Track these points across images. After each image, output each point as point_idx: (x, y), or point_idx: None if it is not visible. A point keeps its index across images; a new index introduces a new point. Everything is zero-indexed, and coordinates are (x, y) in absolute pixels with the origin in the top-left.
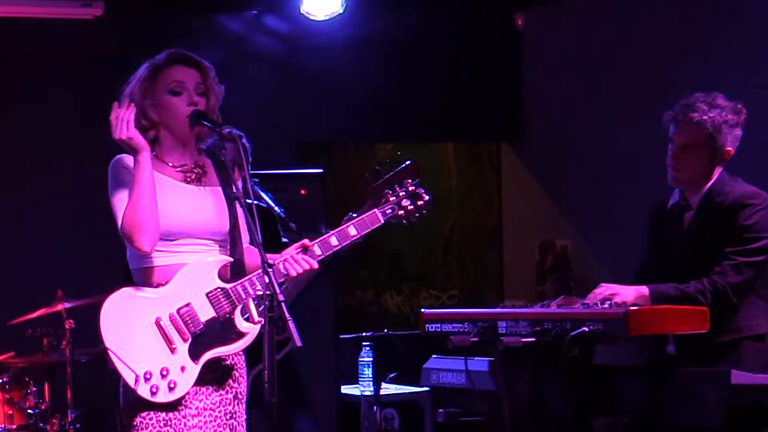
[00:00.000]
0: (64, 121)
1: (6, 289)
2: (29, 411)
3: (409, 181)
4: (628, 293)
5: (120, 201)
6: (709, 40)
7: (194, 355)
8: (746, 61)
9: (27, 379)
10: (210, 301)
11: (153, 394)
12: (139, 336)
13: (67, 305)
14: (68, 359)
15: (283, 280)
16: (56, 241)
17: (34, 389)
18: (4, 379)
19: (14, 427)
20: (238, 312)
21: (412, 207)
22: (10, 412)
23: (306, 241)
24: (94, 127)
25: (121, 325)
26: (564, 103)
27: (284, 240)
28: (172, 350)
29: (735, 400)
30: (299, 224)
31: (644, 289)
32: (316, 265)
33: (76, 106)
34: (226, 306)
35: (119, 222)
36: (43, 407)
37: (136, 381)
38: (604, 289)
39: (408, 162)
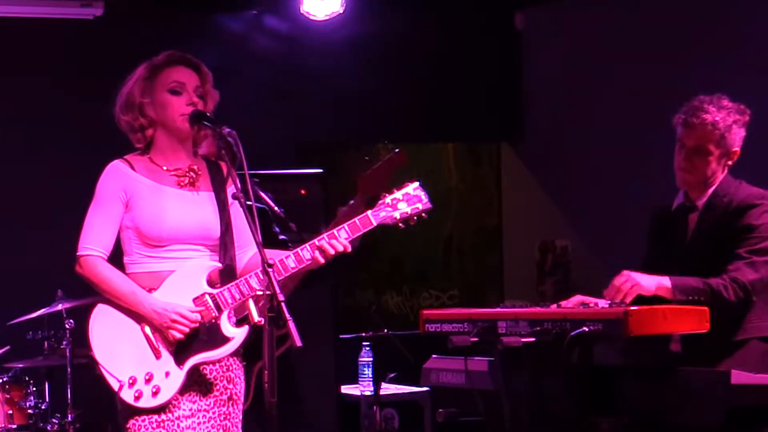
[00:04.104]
0: (64, 121)
1: (6, 289)
2: (29, 411)
3: (408, 183)
4: (648, 284)
5: (93, 218)
6: (709, 40)
7: (179, 360)
8: (747, 61)
9: (27, 379)
10: (196, 306)
11: (136, 399)
12: (125, 341)
13: (67, 305)
14: (68, 359)
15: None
16: (56, 241)
17: (34, 389)
18: (4, 379)
19: (14, 426)
20: (224, 317)
21: (410, 211)
22: (10, 411)
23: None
24: (94, 127)
25: (108, 330)
26: (564, 103)
27: (281, 237)
28: (157, 356)
29: (735, 400)
30: (299, 224)
31: (666, 281)
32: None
33: (76, 106)
34: (211, 311)
35: (83, 240)
36: (43, 407)
37: (120, 387)
38: (626, 279)
39: (395, 150)
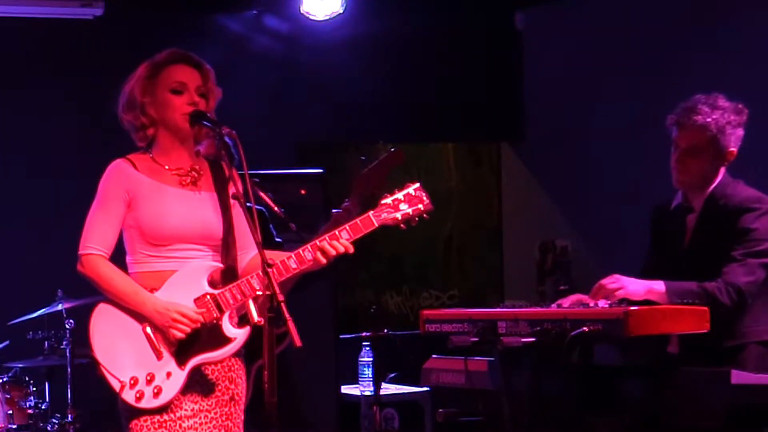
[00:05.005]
0: (64, 122)
1: (6, 289)
2: (29, 411)
3: (410, 184)
4: (637, 289)
5: (95, 217)
6: (709, 39)
7: (180, 360)
8: (747, 61)
9: (27, 379)
10: (197, 307)
11: (138, 399)
12: (126, 342)
13: (67, 305)
14: (68, 359)
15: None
16: (56, 241)
17: (34, 389)
18: (4, 379)
19: (14, 426)
20: (225, 317)
21: (411, 212)
22: (10, 411)
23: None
24: (94, 127)
25: (109, 330)
26: (564, 103)
27: (277, 240)
28: (159, 356)
29: (735, 400)
30: (299, 224)
31: (659, 285)
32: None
33: (76, 106)
34: (213, 311)
35: (85, 239)
36: (43, 407)
37: (122, 388)
38: (613, 281)
39: (391, 149)
